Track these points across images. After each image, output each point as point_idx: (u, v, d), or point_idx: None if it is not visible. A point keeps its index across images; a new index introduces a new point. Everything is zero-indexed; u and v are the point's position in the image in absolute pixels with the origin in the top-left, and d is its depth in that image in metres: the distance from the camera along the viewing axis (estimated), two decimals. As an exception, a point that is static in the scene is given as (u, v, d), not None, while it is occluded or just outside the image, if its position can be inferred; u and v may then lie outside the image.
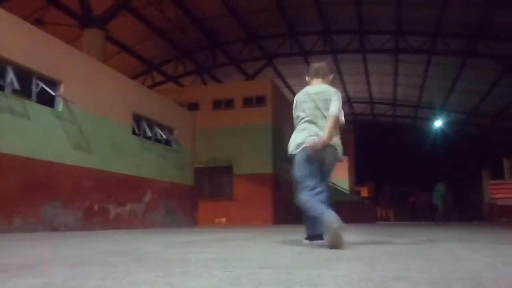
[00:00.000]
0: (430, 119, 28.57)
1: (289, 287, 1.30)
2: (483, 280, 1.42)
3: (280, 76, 22.53)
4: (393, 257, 2.28)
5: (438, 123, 28.28)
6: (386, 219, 40.15)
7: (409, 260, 2.09)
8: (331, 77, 3.67)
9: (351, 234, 5.25)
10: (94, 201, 9.07)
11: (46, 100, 8.05)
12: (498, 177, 23.42)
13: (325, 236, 2.89)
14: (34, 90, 7.75)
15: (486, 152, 29.31)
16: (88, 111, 9.05)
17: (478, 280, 1.41)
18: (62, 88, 8.30)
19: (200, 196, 15.61)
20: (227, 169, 16.75)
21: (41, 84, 7.85)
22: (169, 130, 12.42)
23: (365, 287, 1.30)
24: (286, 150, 3.60)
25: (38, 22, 12.73)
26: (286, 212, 15.82)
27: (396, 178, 36.66)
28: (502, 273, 1.63)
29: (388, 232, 6.80)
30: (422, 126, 30.64)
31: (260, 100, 17.13)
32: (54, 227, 7.84)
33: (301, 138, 3.43)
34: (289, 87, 24.44)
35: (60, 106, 8.28)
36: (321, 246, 3.05)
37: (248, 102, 17.28)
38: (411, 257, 2.28)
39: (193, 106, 16.80)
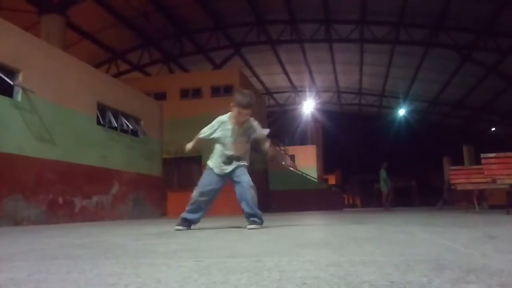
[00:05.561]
0: (394, 108, 29.33)
1: (259, 275, 1.31)
2: (445, 262, 1.48)
3: (247, 65, 22.47)
4: (360, 242, 2.34)
5: (401, 112, 29.08)
6: (354, 206, 41.13)
7: (375, 245, 2.15)
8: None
9: (319, 221, 5.35)
10: (58, 193, 8.82)
11: (4, 90, 7.71)
12: (458, 163, 24.42)
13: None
14: (-9, 79, 7.41)
15: (446, 139, 30.45)
16: (50, 101, 8.74)
17: (440, 262, 1.47)
18: (20, 77, 7.97)
19: (169, 187, 15.43)
20: (196, 159, 16.62)
21: (-1, 73, 7.51)
22: (135, 120, 12.19)
23: (333, 271, 1.33)
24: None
25: (-6, 8, 12.13)
26: (258, 201, 15.88)
27: (363, 166, 37.56)
28: (462, 255, 1.70)
29: (355, 218, 6.97)
30: (387, 115, 31.42)
31: (228, 90, 17.03)
32: (16, 221, 7.58)
33: None
34: (257, 76, 24.44)
35: (19, 96, 7.95)
36: (286, 236, 3.08)
37: (216, 91, 17.15)
38: (376, 242, 2.34)
39: (160, 96, 16.51)
